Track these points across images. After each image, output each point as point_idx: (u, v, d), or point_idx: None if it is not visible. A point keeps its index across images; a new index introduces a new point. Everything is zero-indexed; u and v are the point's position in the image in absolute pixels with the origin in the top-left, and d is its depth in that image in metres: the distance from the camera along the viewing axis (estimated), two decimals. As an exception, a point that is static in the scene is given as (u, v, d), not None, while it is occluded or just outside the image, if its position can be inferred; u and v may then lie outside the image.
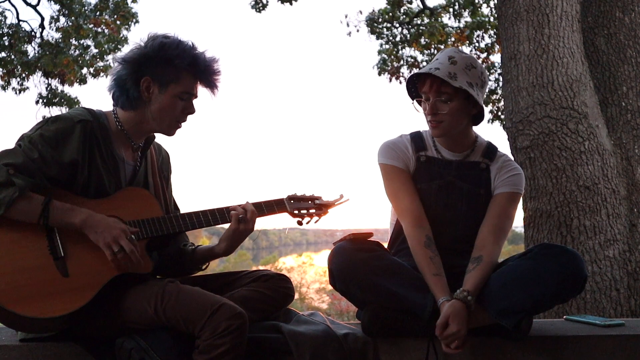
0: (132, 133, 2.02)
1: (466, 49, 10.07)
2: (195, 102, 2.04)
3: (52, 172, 1.84)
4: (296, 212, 2.21)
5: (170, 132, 2.04)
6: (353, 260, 2.03)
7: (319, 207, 2.26)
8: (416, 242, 2.10)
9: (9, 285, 1.74)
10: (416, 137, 2.26)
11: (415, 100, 2.18)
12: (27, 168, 1.79)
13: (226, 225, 2.11)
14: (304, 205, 2.23)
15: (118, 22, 9.87)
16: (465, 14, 9.82)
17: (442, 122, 2.10)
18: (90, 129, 1.91)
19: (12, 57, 9.72)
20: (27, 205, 1.77)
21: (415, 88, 2.18)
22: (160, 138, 2.18)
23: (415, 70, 2.14)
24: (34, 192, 1.80)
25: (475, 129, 2.26)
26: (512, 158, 2.28)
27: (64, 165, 1.85)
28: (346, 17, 10.16)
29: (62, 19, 9.85)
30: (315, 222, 2.27)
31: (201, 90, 2.05)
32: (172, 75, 1.95)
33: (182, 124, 2.04)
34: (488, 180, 2.21)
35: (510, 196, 2.19)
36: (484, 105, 2.14)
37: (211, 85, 2.02)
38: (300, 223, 2.24)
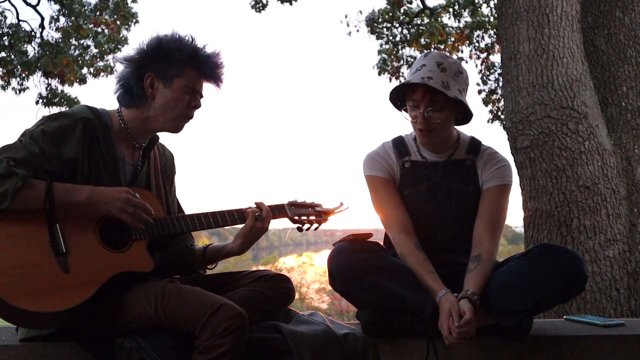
0: (135, 132, 2.02)
1: (466, 49, 10.08)
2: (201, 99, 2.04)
3: (52, 168, 1.84)
4: (296, 217, 2.25)
5: (177, 127, 2.03)
6: (353, 260, 2.03)
7: (318, 214, 2.30)
8: (405, 246, 2.10)
9: (11, 279, 1.74)
10: (398, 143, 2.26)
11: (403, 110, 2.16)
12: (28, 162, 1.80)
13: (227, 228, 2.13)
14: (304, 212, 2.27)
15: (118, 22, 9.87)
16: (465, 14, 9.82)
17: (432, 130, 2.09)
18: (91, 127, 1.91)
19: (12, 57, 9.72)
20: (31, 192, 1.77)
21: (398, 94, 2.16)
22: (164, 138, 2.18)
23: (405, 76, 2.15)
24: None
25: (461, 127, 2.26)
26: (498, 151, 2.28)
27: (64, 161, 1.86)
28: (346, 17, 10.18)
29: (62, 19, 9.87)
30: (315, 229, 2.31)
31: (206, 88, 2.05)
32: (174, 70, 1.96)
33: (189, 119, 2.04)
34: (475, 176, 2.21)
35: (500, 189, 2.19)
36: (472, 112, 2.13)
37: (215, 77, 2.03)
38: (300, 229, 2.28)
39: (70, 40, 9.73)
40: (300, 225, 2.27)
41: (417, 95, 2.07)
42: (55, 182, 1.81)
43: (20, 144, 1.83)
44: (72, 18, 9.67)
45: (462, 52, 10.11)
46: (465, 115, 2.16)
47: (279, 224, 2.31)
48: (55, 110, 9.99)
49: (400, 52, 9.87)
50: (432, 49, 9.42)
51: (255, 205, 2.13)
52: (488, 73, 10.02)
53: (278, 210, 2.21)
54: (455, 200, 2.19)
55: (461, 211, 2.18)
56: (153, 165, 2.13)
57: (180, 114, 2.00)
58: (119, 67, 2.00)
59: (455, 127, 2.23)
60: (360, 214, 2.48)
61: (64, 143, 1.86)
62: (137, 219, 1.88)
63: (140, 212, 1.87)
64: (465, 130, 2.29)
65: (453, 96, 2.02)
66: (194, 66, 1.97)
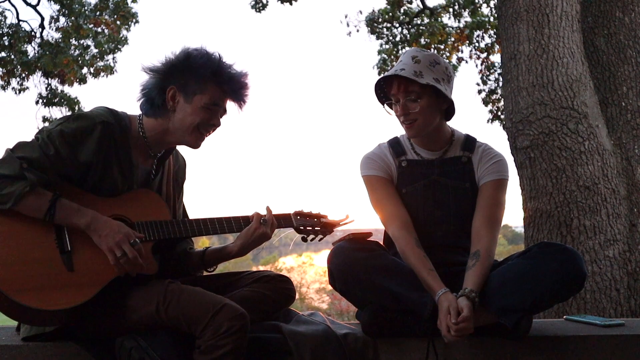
0: (152, 141, 2.01)
1: (466, 49, 10.09)
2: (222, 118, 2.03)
3: (66, 170, 1.85)
4: (302, 228, 2.26)
5: (195, 143, 2.01)
6: (352, 260, 2.03)
7: (324, 225, 2.31)
8: (405, 243, 2.10)
9: (15, 275, 1.75)
10: (394, 143, 2.28)
11: (385, 104, 2.19)
12: (41, 163, 1.80)
13: (233, 235, 2.14)
14: (309, 223, 2.28)
15: (118, 22, 9.89)
16: (465, 14, 9.82)
17: (415, 120, 2.12)
18: (110, 131, 1.90)
19: (12, 57, 9.73)
20: (36, 200, 1.78)
21: (383, 92, 2.20)
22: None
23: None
24: (44, 188, 1.80)
25: (454, 124, 2.27)
26: (494, 147, 2.29)
27: (79, 164, 1.86)
28: (346, 17, 10.19)
29: (62, 19, 9.88)
30: (320, 240, 2.32)
31: (230, 107, 2.04)
32: (197, 86, 1.94)
33: (207, 136, 2.02)
34: (471, 172, 2.22)
35: (496, 184, 2.19)
36: (453, 99, 2.15)
37: (237, 97, 2.01)
38: (305, 240, 2.29)
39: (70, 40, 9.74)
40: (305, 236, 2.28)
41: (394, 88, 2.12)
42: (62, 199, 1.81)
43: (36, 143, 1.82)
44: (72, 18, 9.67)
45: (462, 52, 10.12)
46: (450, 106, 2.17)
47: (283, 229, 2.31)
48: (55, 110, 10.01)
49: (400, 52, 9.86)
50: (432, 49, 9.44)
51: (265, 210, 2.14)
52: (488, 73, 10.02)
53: (284, 220, 2.22)
54: (453, 196, 2.19)
55: (459, 207, 2.19)
56: (167, 173, 2.13)
57: (196, 130, 1.98)
58: (144, 76, 1.98)
59: (448, 124, 2.25)
60: (361, 215, 2.48)
61: (80, 145, 1.85)
62: (119, 266, 1.84)
63: (127, 260, 1.83)
64: (465, 129, 2.30)
65: (425, 82, 2.05)
66: (216, 84, 1.95)
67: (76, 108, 9.81)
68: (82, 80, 9.87)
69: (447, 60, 9.60)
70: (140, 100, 1.99)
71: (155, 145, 2.03)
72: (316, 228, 2.29)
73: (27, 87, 10.12)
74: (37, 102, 10.07)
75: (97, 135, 1.87)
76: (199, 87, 1.94)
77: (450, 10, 9.84)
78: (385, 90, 2.18)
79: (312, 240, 2.30)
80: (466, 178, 2.21)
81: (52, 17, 9.90)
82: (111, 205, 1.91)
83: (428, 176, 2.21)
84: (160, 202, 2.04)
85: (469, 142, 2.26)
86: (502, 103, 8.88)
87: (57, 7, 9.78)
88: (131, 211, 1.94)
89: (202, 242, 2.59)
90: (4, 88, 10.06)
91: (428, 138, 2.21)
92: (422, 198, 2.20)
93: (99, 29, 9.90)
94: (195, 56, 1.94)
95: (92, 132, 1.87)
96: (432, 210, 2.19)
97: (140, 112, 2.02)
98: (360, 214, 2.47)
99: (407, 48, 9.75)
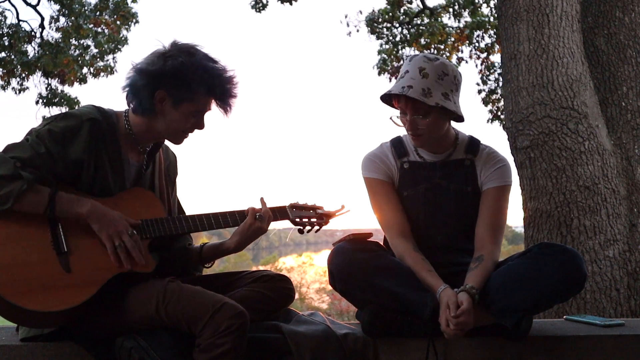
0: (140, 137, 2.02)
1: (466, 49, 10.08)
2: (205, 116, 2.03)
3: (58, 169, 1.85)
4: (298, 220, 2.26)
5: (177, 142, 2.05)
6: (353, 260, 2.03)
7: (320, 216, 2.30)
8: (403, 249, 2.10)
9: (12, 277, 1.74)
10: (396, 143, 2.25)
11: (393, 116, 2.15)
12: (34, 162, 1.80)
13: (229, 230, 2.14)
14: (305, 214, 2.28)
15: (118, 22, 9.89)
16: (465, 14, 9.82)
17: (422, 135, 2.10)
18: (98, 128, 1.91)
19: (12, 57, 9.72)
20: (35, 197, 1.78)
21: (390, 99, 2.16)
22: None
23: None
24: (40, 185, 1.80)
25: (460, 126, 2.26)
26: (497, 150, 2.27)
27: (70, 162, 1.86)
28: (346, 17, 10.18)
29: (62, 19, 9.87)
30: (316, 231, 2.32)
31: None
32: (187, 95, 1.93)
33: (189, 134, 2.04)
34: (474, 176, 2.20)
35: (500, 190, 2.18)
36: (461, 111, 2.11)
37: (225, 107, 2.02)
38: (301, 231, 2.29)
39: (70, 40, 9.74)
40: (302, 228, 2.28)
41: (402, 104, 2.08)
42: (60, 191, 1.82)
43: (27, 143, 1.83)
44: (72, 18, 9.68)
45: (462, 52, 10.12)
46: (458, 115, 2.15)
47: (280, 224, 2.32)
48: (55, 110, 10.00)
49: (400, 52, 9.86)
50: (432, 49, 9.44)
51: (260, 202, 2.14)
52: (488, 73, 10.02)
53: (280, 213, 2.22)
54: (454, 200, 2.19)
55: (460, 211, 2.18)
56: (157, 167, 2.13)
57: (180, 133, 2.01)
58: (132, 71, 1.95)
59: (453, 126, 2.23)
60: (360, 214, 2.48)
61: (70, 144, 1.86)
62: (116, 257, 1.85)
63: (123, 251, 1.85)
64: (465, 129, 2.29)
65: (434, 103, 2.01)
66: (208, 95, 1.96)
67: (76, 108, 9.81)
68: (82, 80, 9.88)
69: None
70: (127, 97, 1.97)
71: (142, 140, 2.03)
72: (312, 219, 2.28)
73: (27, 87, 10.13)
74: (37, 102, 10.07)
75: (86, 132, 1.88)
76: (190, 96, 1.94)
77: (450, 10, 9.83)
78: (393, 100, 2.14)
79: (308, 231, 2.29)
80: (469, 182, 2.20)
81: (52, 17, 9.90)
82: (106, 205, 1.90)
83: (430, 179, 2.19)
84: (154, 200, 2.04)
85: (473, 145, 2.23)
86: (502, 103, 8.88)
87: (57, 7, 9.79)
88: (127, 210, 1.94)
89: (201, 240, 2.59)
90: (4, 88, 10.06)
91: (432, 142, 2.19)
92: (423, 201, 2.19)
93: (99, 29, 9.90)
94: (189, 68, 1.91)
95: (80, 130, 1.87)
96: (433, 213, 2.18)
97: (127, 108, 2.01)
98: (360, 213, 2.46)
99: (408, 48, 9.76)
